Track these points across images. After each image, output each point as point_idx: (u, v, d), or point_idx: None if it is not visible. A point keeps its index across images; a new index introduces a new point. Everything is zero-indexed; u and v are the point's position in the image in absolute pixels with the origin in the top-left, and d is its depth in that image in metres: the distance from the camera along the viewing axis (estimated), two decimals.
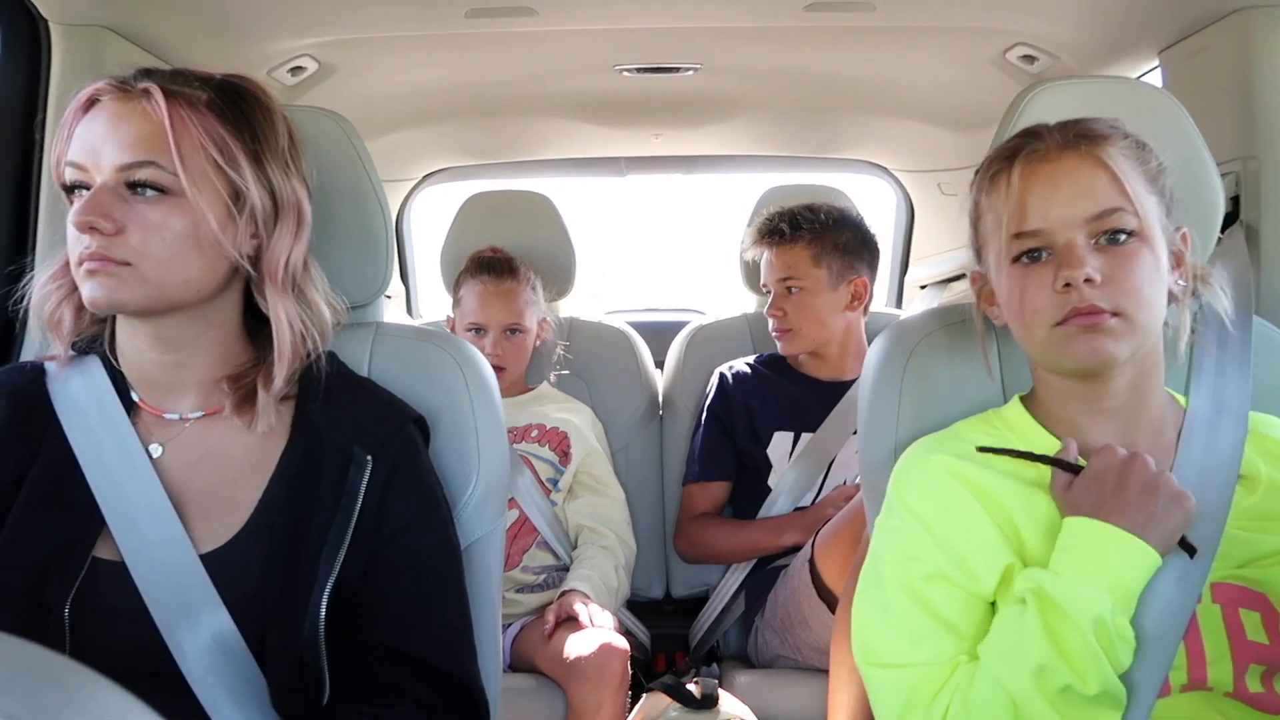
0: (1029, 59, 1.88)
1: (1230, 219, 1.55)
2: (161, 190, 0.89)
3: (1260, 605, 0.89)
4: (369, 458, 0.94)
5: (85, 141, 0.89)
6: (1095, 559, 0.84)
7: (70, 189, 0.91)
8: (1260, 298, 1.49)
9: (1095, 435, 0.97)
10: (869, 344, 1.89)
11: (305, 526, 0.92)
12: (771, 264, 1.89)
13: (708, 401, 1.94)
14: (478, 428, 1.12)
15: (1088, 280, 0.88)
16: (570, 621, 1.61)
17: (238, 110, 0.93)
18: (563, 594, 1.68)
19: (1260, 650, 0.88)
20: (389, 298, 2.53)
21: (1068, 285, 0.89)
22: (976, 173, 0.99)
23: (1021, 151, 0.93)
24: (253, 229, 0.94)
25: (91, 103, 0.91)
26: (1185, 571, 0.87)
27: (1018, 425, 1.01)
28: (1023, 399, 1.04)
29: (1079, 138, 0.92)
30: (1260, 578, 0.90)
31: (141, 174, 0.88)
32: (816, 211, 1.88)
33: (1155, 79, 1.76)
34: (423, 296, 2.79)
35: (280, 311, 0.96)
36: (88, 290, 0.88)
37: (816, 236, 1.86)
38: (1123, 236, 0.90)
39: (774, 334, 1.91)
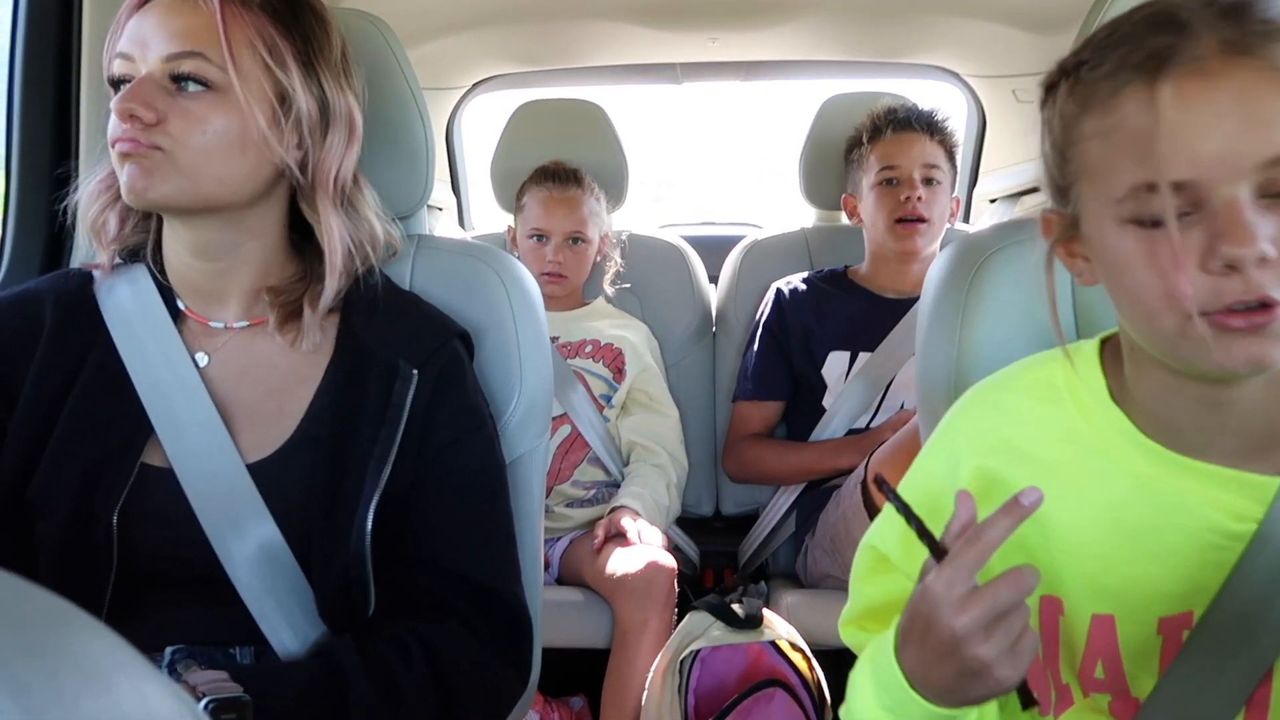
0: None
1: None
2: (206, 85, 0.87)
3: None
4: (414, 372, 0.93)
5: (135, 33, 0.88)
6: (886, 693, 0.71)
7: (117, 83, 0.89)
8: None
9: (1206, 445, 0.72)
10: None
11: (351, 440, 0.92)
12: (917, 150, 1.79)
13: (763, 318, 1.89)
14: (520, 344, 1.10)
15: (1262, 260, 0.60)
16: (619, 537, 1.61)
17: (292, 14, 0.92)
18: (612, 510, 1.68)
19: None
20: (439, 209, 2.51)
21: (1231, 267, 0.61)
22: (1068, 74, 0.69)
23: (1167, 59, 0.62)
24: (297, 137, 0.92)
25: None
26: (1239, 670, 0.70)
27: (1089, 402, 0.77)
28: (1104, 354, 0.78)
29: (1256, 38, 0.61)
30: None
31: (187, 65, 0.87)
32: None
33: None
34: (474, 208, 2.76)
35: (332, 224, 0.95)
36: (124, 179, 0.87)
37: (949, 139, 1.83)
38: None
39: (900, 227, 1.77)
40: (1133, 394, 0.75)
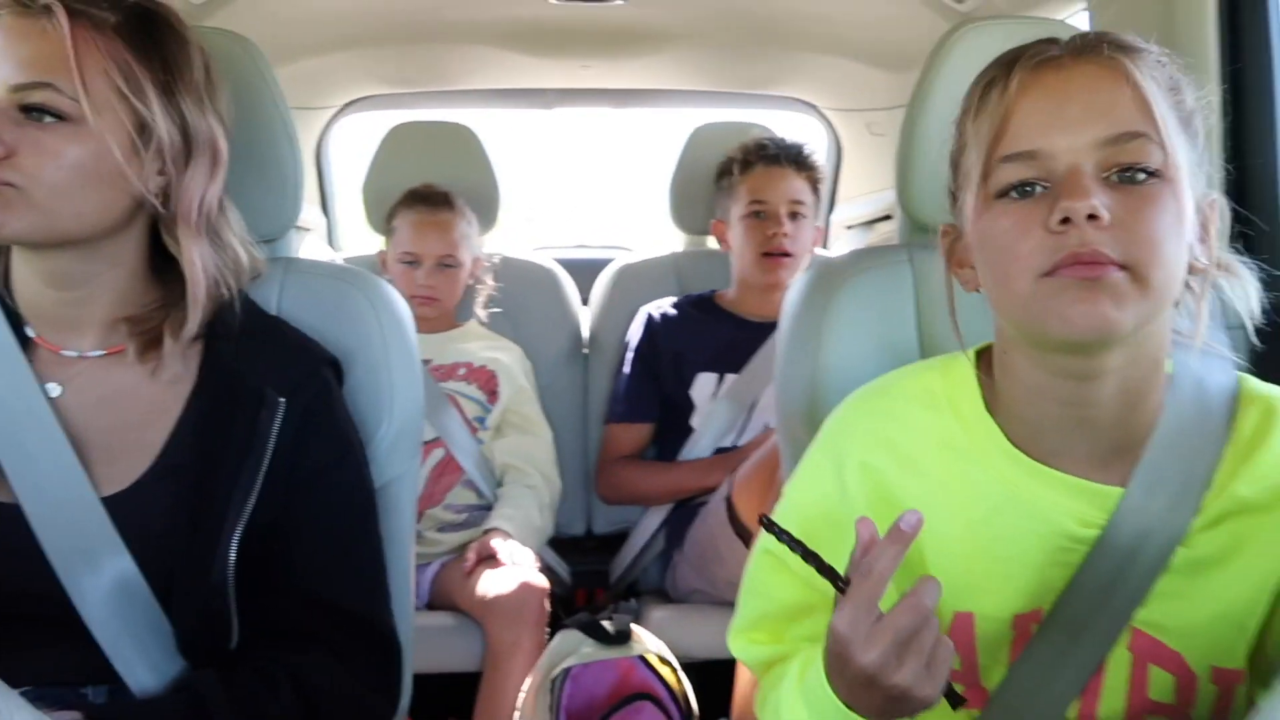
0: None
1: None
2: (59, 116, 0.84)
3: (1176, 668, 0.78)
4: (281, 400, 0.92)
5: None
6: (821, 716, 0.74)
7: None
8: None
9: (1064, 450, 0.78)
10: None
11: (214, 470, 0.90)
12: (785, 184, 1.85)
13: (633, 341, 1.93)
14: (391, 368, 1.10)
15: (1092, 217, 0.67)
16: (490, 559, 1.62)
17: (148, 37, 0.88)
18: (485, 532, 1.68)
19: (1162, 708, 0.79)
20: (308, 230, 2.46)
21: (1066, 220, 0.68)
22: (968, 98, 0.79)
23: (1023, 56, 0.73)
24: (159, 165, 0.90)
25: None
26: (1076, 662, 0.77)
27: (966, 410, 0.82)
28: (980, 367, 0.83)
29: (1104, 43, 0.72)
30: (1182, 644, 0.78)
31: (37, 96, 0.83)
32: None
33: (1083, 21, 1.77)
34: (344, 229, 2.71)
35: (194, 255, 0.92)
36: None
37: (815, 173, 1.90)
38: (1142, 175, 0.70)
39: (767, 260, 1.83)
40: (1003, 401, 0.81)
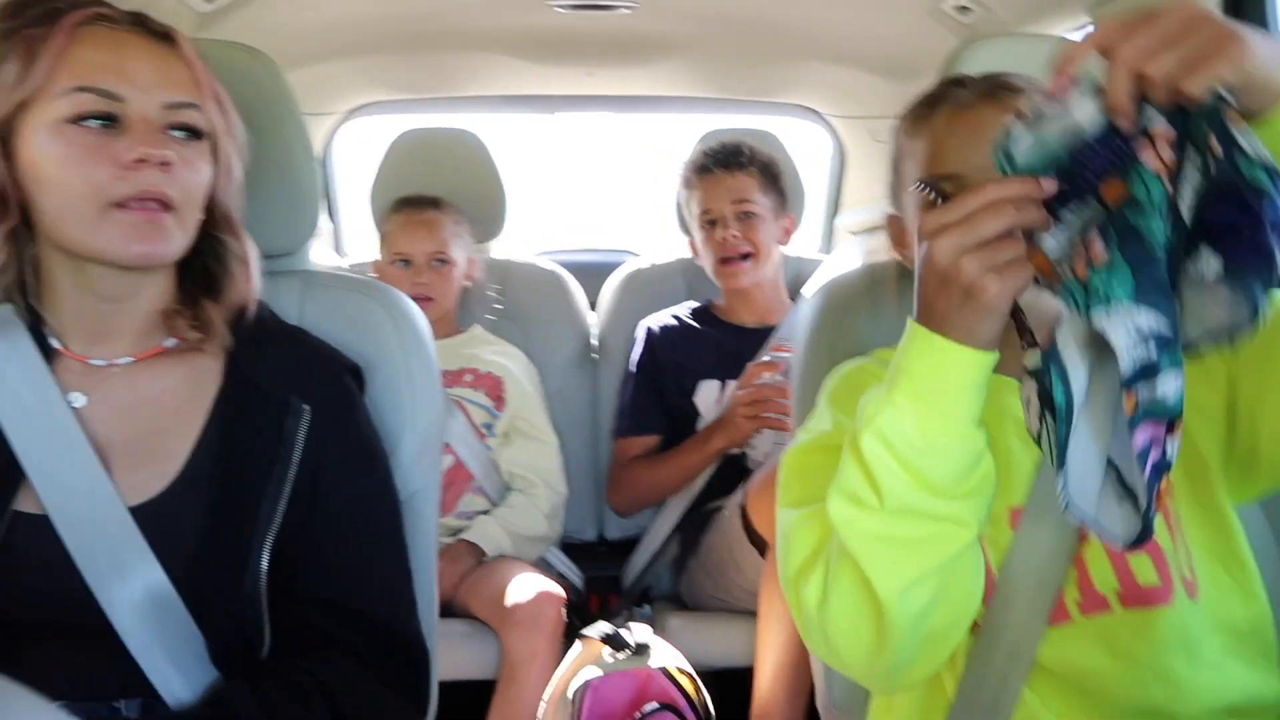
0: (963, 9, 1.89)
1: None
2: (198, 134, 0.90)
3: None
4: (306, 407, 0.93)
5: (118, 70, 0.86)
6: (902, 356, 0.75)
7: (81, 119, 0.85)
8: None
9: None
10: (785, 288, 1.95)
11: (241, 478, 0.90)
12: (724, 189, 1.88)
13: (635, 357, 1.96)
14: (412, 380, 1.11)
15: None
16: (500, 564, 1.62)
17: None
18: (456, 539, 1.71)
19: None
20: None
21: None
22: (901, 117, 1.00)
23: (945, 98, 0.95)
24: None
25: (92, 24, 0.87)
26: (1061, 527, 0.83)
27: None
28: None
29: (999, 88, 0.93)
30: None
31: (186, 114, 0.89)
32: (752, 147, 1.93)
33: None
34: (350, 233, 2.71)
35: (248, 250, 0.98)
36: (130, 237, 0.86)
37: (762, 166, 1.91)
38: None
39: (723, 267, 1.87)
40: None
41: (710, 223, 1.90)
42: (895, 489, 0.73)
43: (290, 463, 0.91)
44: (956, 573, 0.76)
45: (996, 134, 0.76)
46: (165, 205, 0.86)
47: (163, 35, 0.90)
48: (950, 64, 1.17)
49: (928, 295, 0.73)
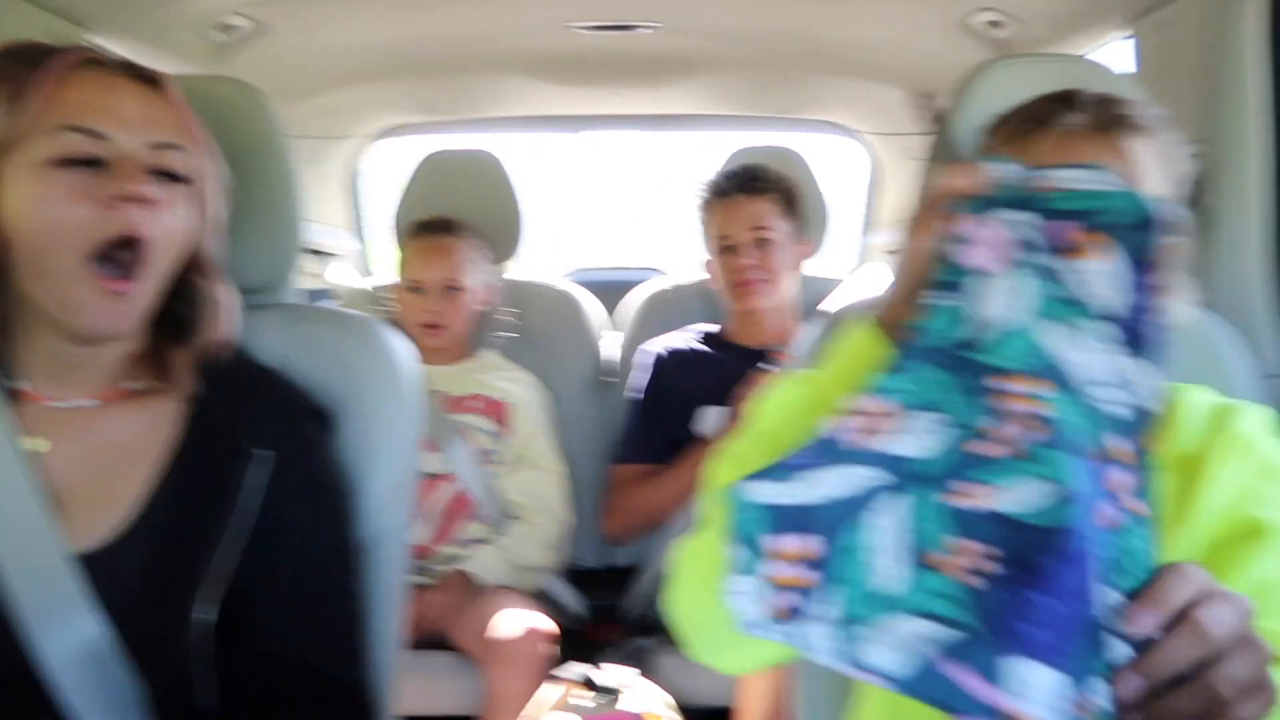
0: (995, 24, 1.82)
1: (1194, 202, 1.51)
2: (180, 179, 0.89)
3: None
4: (266, 454, 0.91)
5: (106, 109, 0.86)
6: None
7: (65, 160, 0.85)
8: (1215, 287, 1.46)
9: None
10: (798, 311, 1.90)
11: (195, 526, 0.88)
12: (742, 214, 1.86)
13: (641, 382, 1.92)
14: (387, 418, 1.08)
15: None
16: (492, 596, 1.59)
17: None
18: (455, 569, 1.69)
19: None
20: (339, 257, 2.48)
21: None
22: (1000, 120, 0.89)
23: (1052, 118, 0.84)
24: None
25: (81, 68, 0.87)
26: None
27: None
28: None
29: (1116, 123, 0.83)
30: None
31: (171, 157, 0.89)
32: (771, 171, 1.91)
33: (1130, 49, 1.71)
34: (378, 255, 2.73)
35: (227, 294, 0.97)
36: (101, 316, 0.86)
37: (781, 190, 1.88)
38: None
39: (738, 290, 1.86)
40: None
41: (727, 248, 1.88)
42: None
43: (248, 512, 0.89)
44: None
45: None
46: (141, 258, 0.85)
47: (149, 78, 0.90)
48: (969, 84, 1.11)
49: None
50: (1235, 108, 1.43)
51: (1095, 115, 0.83)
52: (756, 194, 1.86)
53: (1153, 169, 0.81)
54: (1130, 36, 1.67)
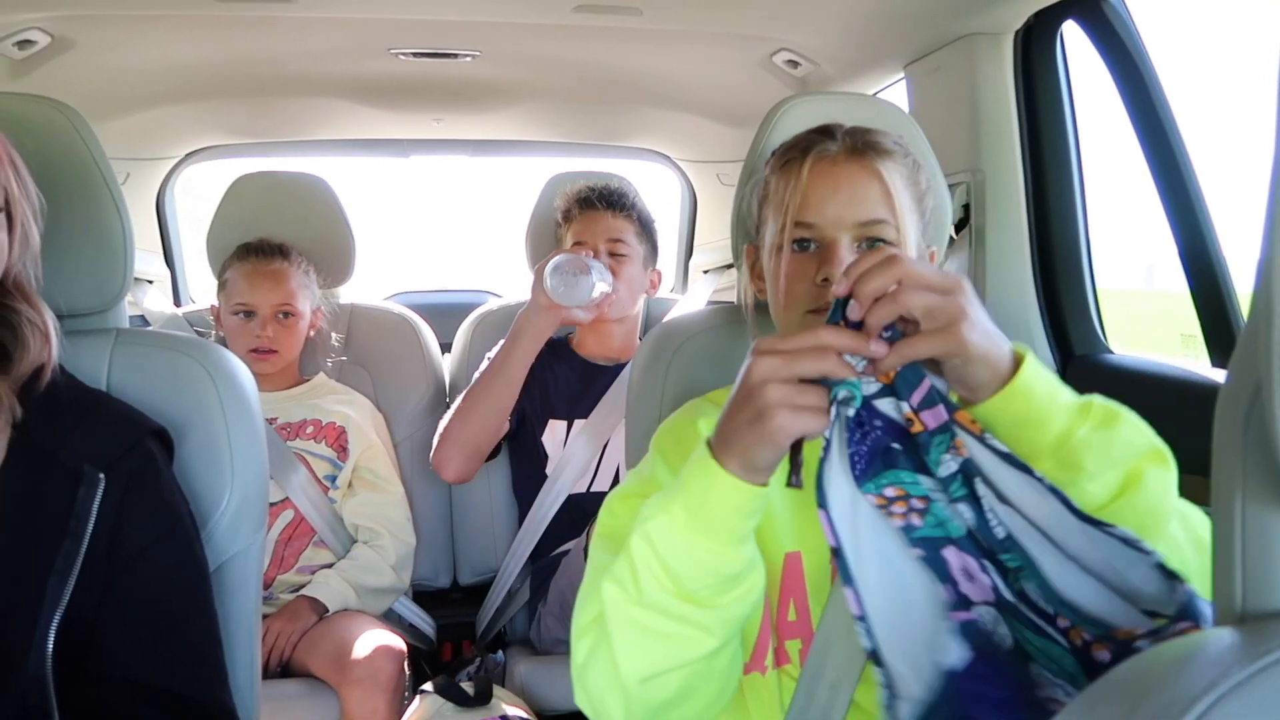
0: (793, 64, 1.99)
1: (961, 225, 1.72)
2: None
3: None
4: (101, 475, 0.89)
5: None
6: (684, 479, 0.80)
7: None
8: (988, 295, 1.68)
9: None
10: (640, 331, 1.99)
11: (27, 554, 0.86)
12: (602, 225, 1.89)
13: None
14: (231, 439, 1.08)
15: None
16: (341, 619, 1.58)
17: None
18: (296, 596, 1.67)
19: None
20: (150, 282, 2.36)
21: (826, 280, 0.92)
22: (773, 153, 1.03)
23: (814, 148, 0.97)
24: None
25: None
26: None
27: None
28: None
29: (866, 147, 0.96)
30: None
31: None
32: (635, 196, 1.96)
33: (899, 90, 1.92)
34: (191, 281, 2.62)
35: (46, 316, 0.94)
36: None
37: (641, 216, 1.94)
38: (880, 243, 0.94)
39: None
40: None
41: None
42: (651, 588, 0.78)
43: (82, 535, 0.87)
44: (704, 676, 0.81)
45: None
46: None
47: None
48: (769, 122, 1.24)
49: (733, 404, 0.77)
50: (997, 140, 1.65)
51: (849, 143, 0.97)
52: (619, 210, 1.91)
53: (900, 185, 0.95)
54: (903, 79, 1.89)
